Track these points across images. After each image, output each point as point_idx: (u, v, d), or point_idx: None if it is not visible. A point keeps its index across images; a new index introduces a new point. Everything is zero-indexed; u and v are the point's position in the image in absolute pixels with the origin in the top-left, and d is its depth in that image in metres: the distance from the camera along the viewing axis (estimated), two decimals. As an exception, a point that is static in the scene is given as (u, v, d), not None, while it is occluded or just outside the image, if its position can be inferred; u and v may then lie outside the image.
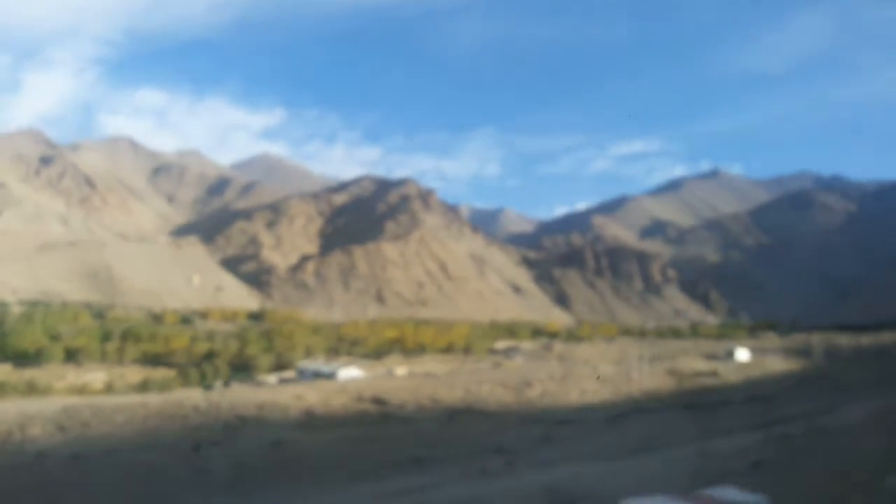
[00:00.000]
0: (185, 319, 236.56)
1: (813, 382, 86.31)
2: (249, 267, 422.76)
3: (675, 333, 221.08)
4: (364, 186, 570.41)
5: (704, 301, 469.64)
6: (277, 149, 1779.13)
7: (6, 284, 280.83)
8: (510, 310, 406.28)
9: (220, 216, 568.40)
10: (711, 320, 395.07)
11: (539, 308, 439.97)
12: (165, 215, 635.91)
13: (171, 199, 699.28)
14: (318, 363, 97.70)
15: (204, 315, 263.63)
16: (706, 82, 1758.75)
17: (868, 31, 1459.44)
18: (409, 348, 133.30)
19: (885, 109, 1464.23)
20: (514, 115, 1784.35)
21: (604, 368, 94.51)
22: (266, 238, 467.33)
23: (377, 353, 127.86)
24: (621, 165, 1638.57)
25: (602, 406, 66.94)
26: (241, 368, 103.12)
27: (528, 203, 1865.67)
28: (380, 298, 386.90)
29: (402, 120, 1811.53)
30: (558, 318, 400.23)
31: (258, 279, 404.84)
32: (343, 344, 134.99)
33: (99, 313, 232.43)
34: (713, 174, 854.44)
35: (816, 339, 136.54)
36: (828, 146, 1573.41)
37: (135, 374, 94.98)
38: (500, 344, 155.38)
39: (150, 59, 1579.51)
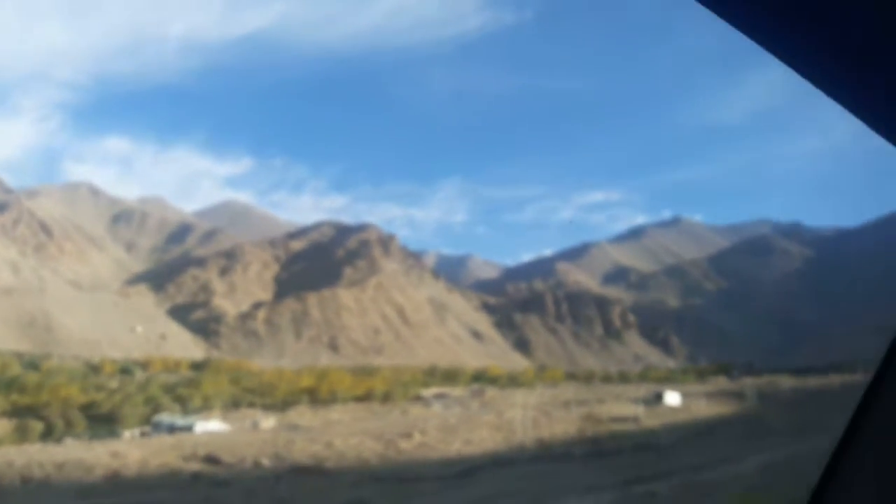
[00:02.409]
0: (125, 370, 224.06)
1: (733, 427, 79.15)
2: (199, 315, 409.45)
3: (623, 378, 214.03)
4: (323, 232, 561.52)
5: (664, 346, 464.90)
6: (244, 197, 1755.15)
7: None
8: (469, 356, 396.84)
9: (176, 264, 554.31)
10: (672, 365, 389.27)
11: (499, 354, 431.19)
12: (123, 263, 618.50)
13: (130, 247, 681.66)
14: (174, 416, 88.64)
15: (145, 365, 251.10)
16: (667, 135, 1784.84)
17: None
18: (322, 397, 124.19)
19: (840, 160, 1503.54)
20: (481, 165, 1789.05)
21: (511, 414, 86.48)
22: (218, 285, 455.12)
23: (284, 403, 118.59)
24: (585, 214, 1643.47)
25: (476, 457, 59.02)
26: (107, 421, 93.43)
27: (495, 250, 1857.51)
28: (333, 346, 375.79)
29: (369, 169, 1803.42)
30: (518, 364, 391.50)
31: (207, 328, 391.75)
32: (249, 395, 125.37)
33: (31, 363, 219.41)
34: (675, 222, 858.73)
35: (750, 382, 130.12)
36: (786, 195, 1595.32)
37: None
38: (430, 391, 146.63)
39: (116, 105, 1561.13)
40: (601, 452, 59.83)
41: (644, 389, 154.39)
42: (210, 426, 78.44)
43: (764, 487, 35.46)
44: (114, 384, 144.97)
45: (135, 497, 42.36)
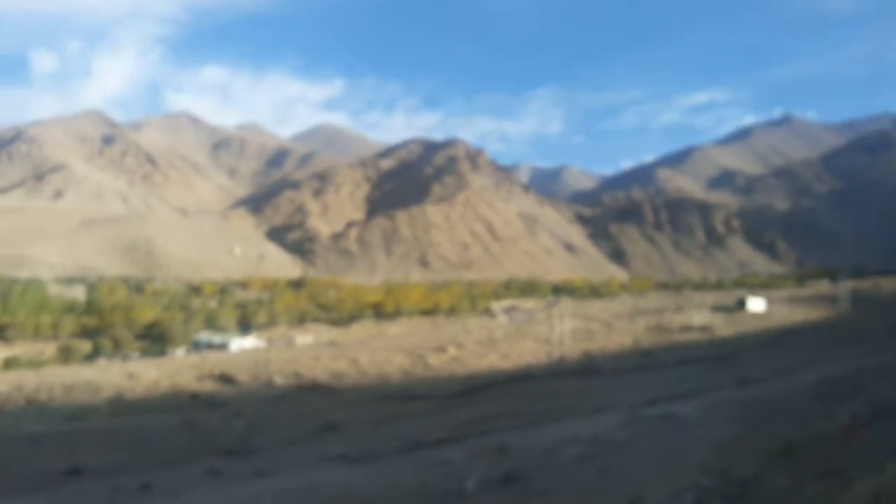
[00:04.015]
0: (224, 290, 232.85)
1: (811, 335, 70.81)
2: (295, 235, 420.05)
3: (718, 285, 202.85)
4: (411, 150, 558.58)
5: (770, 251, 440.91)
6: (338, 119, 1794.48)
7: (44, 261, 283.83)
8: (561, 268, 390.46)
9: (273, 187, 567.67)
10: (778, 270, 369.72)
11: (593, 266, 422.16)
12: (226, 188, 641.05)
13: (232, 173, 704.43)
14: (213, 335, 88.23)
15: (244, 285, 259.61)
16: (776, 26, 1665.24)
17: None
18: (388, 311, 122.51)
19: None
20: (576, 71, 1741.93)
21: (566, 326, 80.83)
22: (313, 206, 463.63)
23: (350, 318, 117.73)
24: (689, 117, 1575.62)
25: (503, 372, 54.42)
26: (160, 340, 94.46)
27: (592, 160, 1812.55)
28: (423, 262, 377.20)
29: (460, 84, 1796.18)
30: (614, 275, 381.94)
31: (302, 247, 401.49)
32: (315, 311, 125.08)
33: (137, 287, 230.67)
34: (785, 121, 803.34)
35: (851, 286, 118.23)
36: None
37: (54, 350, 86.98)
38: (501, 303, 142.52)
39: (212, 35, 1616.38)
40: (644, 366, 53.72)
41: (735, 296, 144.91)
42: (247, 343, 77.80)
43: (806, 410, 28.67)
44: (199, 304, 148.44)
45: (117, 421, 40.29)
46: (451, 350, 62.31)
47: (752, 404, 33.81)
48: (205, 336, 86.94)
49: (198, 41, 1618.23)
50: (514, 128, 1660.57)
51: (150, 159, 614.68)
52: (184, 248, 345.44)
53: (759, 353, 57.65)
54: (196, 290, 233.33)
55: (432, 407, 40.75)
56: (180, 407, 44.39)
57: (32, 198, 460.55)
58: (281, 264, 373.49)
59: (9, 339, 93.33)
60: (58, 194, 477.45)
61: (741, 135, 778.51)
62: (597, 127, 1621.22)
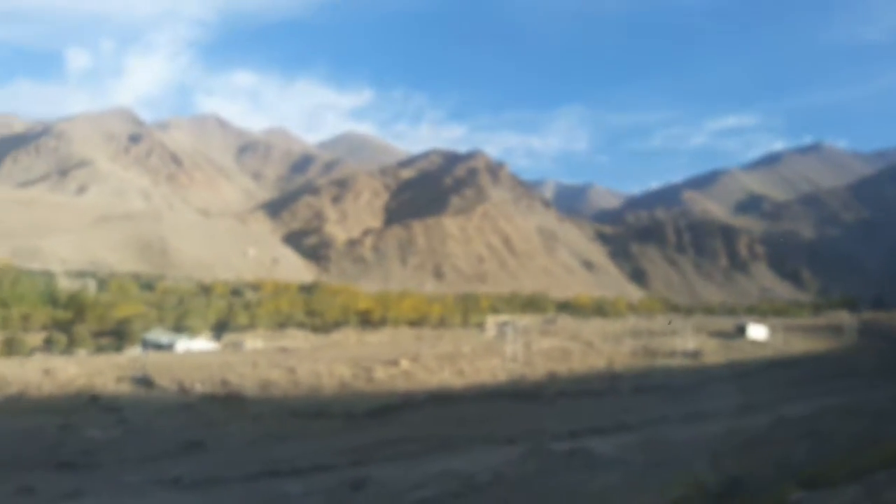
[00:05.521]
0: (235, 291, 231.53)
1: (800, 367, 65.22)
2: (311, 241, 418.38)
3: (730, 310, 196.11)
4: (433, 160, 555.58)
5: (794, 278, 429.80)
6: (365, 128, 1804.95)
7: (55, 255, 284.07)
8: (579, 286, 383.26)
9: (296, 192, 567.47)
10: (802, 298, 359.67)
11: (612, 285, 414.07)
12: (250, 192, 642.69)
13: (256, 177, 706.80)
14: (161, 335, 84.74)
15: (256, 287, 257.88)
16: (808, 53, 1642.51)
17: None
18: (374, 320, 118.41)
19: None
20: (604, 90, 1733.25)
21: (543, 344, 75.94)
22: (331, 212, 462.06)
23: (334, 325, 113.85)
24: (718, 140, 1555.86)
25: (444, 391, 49.85)
26: (120, 337, 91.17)
27: (619, 179, 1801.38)
28: (438, 273, 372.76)
29: (488, 98, 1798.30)
30: (633, 295, 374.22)
31: (318, 253, 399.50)
32: (300, 315, 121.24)
33: (147, 284, 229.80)
34: (815, 148, 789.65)
35: (850, 318, 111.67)
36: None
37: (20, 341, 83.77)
38: (498, 318, 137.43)
39: (243, 40, 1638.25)
40: (596, 392, 48.95)
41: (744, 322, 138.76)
42: (195, 345, 74.56)
43: (707, 463, 23.82)
44: (198, 303, 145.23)
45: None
46: (404, 363, 57.88)
47: (670, 448, 28.96)
48: (153, 336, 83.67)
49: (229, 45, 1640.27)
50: (540, 143, 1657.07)
51: (176, 159, 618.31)
52: (198, 248, 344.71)
53: (732, 385, 52.47)
54: (206, 290, 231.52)
55: (335, 426, 36.38)
56: (73, 409, 40.48)
57: (56, 192, 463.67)
58: (295, 268, 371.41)
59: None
60: (81, 189, 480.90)
61: (770, 160, 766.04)
62: (623, 147, 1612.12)
